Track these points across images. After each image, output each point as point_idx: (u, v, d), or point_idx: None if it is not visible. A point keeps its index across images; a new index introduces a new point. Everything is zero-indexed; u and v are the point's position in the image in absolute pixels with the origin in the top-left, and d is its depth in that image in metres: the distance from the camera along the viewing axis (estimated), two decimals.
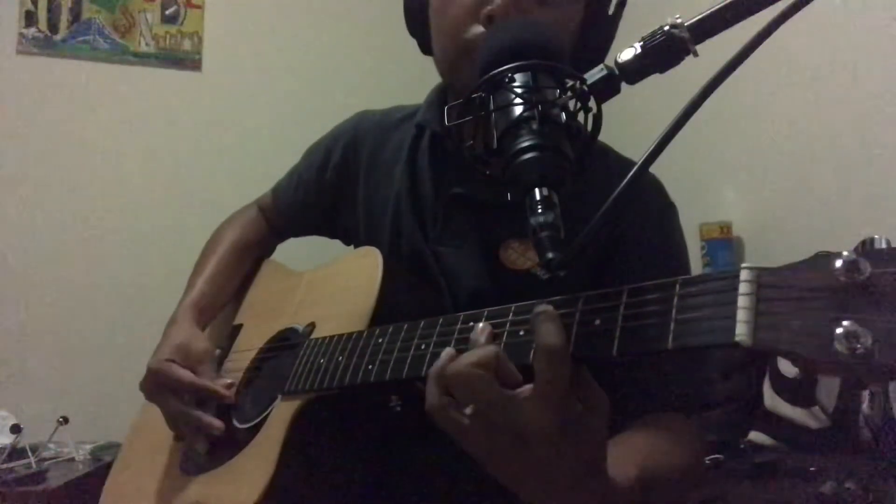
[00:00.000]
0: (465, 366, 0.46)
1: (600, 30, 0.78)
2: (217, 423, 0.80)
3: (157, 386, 0.85)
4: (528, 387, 0.45)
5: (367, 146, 0.96)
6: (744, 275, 0.39)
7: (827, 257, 0.37)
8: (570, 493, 0.46)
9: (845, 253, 0.36)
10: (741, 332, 0.37)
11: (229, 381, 0.85)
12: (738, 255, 1.84)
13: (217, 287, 1.00)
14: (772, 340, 0.37)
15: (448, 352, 0.50)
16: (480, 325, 0.51)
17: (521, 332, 0.50)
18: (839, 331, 0.34)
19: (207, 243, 1.07)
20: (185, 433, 0.85)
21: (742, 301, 0.38)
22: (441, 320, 0.58)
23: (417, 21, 0.82)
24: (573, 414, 0.45)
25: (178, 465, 0.86)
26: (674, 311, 0.42)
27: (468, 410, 0.46)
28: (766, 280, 0.39)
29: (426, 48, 0.83)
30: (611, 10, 0.78)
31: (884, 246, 0.37)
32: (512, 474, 0.47)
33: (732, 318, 0.38)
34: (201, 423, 0.81)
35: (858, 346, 0.33)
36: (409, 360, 0.58)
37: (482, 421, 0.46)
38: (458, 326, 0.55)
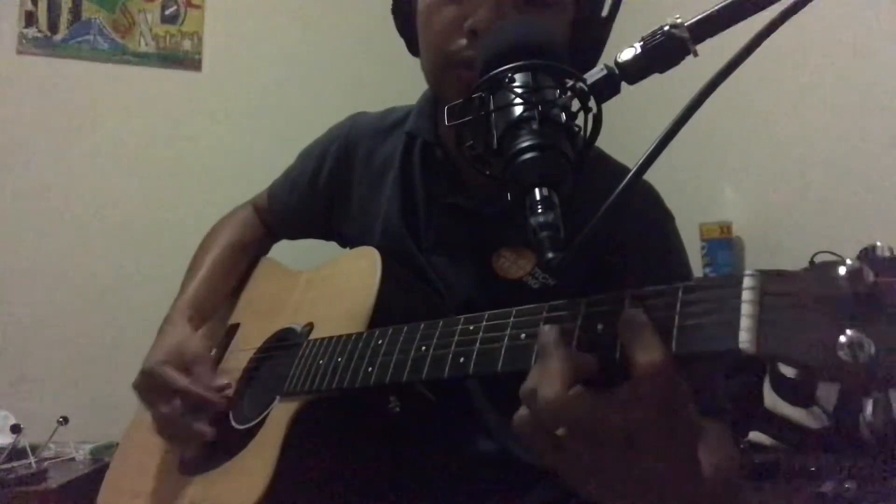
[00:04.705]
0: (557, 394, 0.42)
1: (591, 32, 0.77)
2: (207, 429, 0.79)
3: (149, 388, 0.84)
4: (624, 387, 0.42)
5: (360, 151, 0.96)
6: (747, 281, 0.39)
7: (830, 265, 0.37)
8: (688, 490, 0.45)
9: (849, 261, 0.36)
10: (745, 339, 0.37)
11: (225, 381, 0.84)
12: (738, 255, 1.84)
13: (212, 287, 0.99)
14: (775, 348, 0.37)
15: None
16: (546, 327, 0.47)
17: (523, 336, 0.49)
18: (843, 339, 0.34)
19: (202, 243, 1.06)
20: (174, 440, 0.84)
21: (745, 308, 0.38)
22: (441, 322, 0.58)
23: (406, 21, 0.82)
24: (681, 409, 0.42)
25: (175, 465, 0.86)
26: (677, 318, 0.42)
27: (560, 431, 0.43)
28: (769, 288, 0.38)
29: (414, 49, 0.83)
30: (605, 12, 0.77)
31: (887, 254, 0.37)
32: (623, 489, 0.44)
33: (736, 325, 0.38)
34: (191, 431, 0.80)
35: (862, 354, 0.34)
36: (409, 363, 0.58)
37: (583, 438, 0.43)
38: (459, 328, 0.55)
